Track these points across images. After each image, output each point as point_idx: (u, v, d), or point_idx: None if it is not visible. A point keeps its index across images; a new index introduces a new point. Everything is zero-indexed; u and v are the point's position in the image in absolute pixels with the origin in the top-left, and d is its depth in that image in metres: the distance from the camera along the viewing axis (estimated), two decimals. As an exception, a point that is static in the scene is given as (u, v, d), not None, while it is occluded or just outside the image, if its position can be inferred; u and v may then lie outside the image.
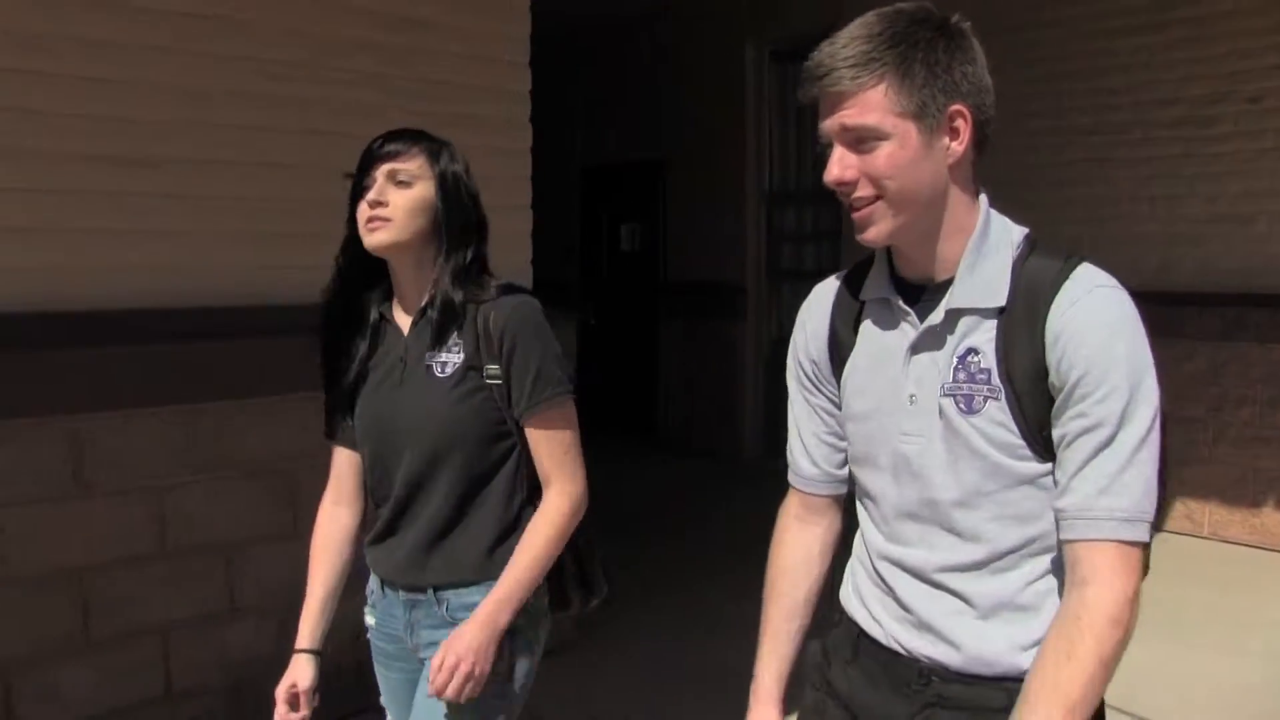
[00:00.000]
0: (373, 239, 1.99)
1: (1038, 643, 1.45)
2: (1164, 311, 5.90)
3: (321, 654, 2.14)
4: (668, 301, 8.86)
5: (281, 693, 2.08)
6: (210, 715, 3.55)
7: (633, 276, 9.25)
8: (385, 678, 2.23)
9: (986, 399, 1.46)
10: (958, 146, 1.45)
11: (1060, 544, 1.43)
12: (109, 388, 3.30)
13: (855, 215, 1.49)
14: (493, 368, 2.01)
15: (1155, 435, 1.39)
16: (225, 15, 3.56)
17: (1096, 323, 1.39)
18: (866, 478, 1.64)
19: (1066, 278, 1.43)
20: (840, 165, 1.46)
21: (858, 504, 1.71)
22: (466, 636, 1.95)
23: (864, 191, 1.47)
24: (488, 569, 2.04)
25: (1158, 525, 4.70)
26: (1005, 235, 1.50)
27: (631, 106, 8.99)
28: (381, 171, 2.00)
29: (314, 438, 2.27)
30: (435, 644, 2.03)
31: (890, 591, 1.62)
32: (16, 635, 3.20)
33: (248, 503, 3.56)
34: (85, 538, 3.31)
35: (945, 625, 1.55)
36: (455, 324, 2.03)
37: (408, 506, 2.08)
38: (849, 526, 1.74)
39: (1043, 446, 1.44)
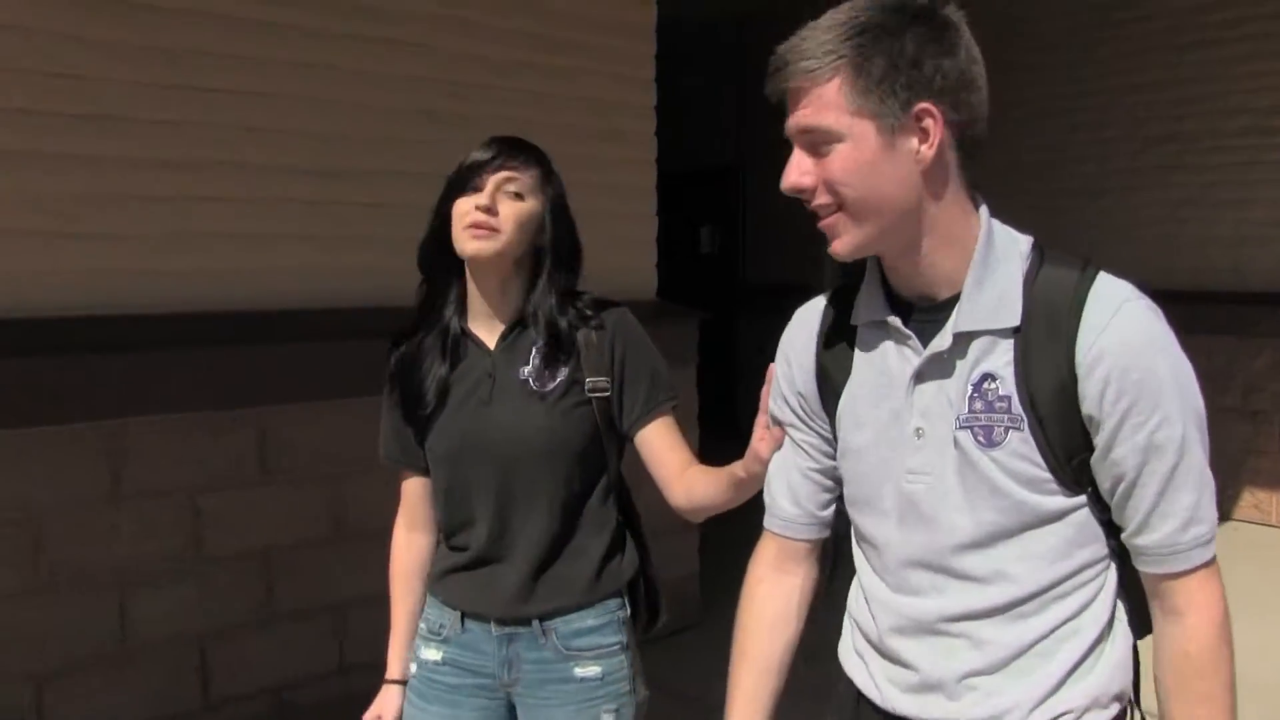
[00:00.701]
0: (477, 246, 1.88)
1: (1048, 695, 1.39)
2: (1237, 310, 6.18)
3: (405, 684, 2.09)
4: (746, 302, 9.10)
5: None
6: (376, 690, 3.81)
7: (711, 278, 9.50)
8: (441, 716, 2.01)
9: (1008, 430, 1.33)
10: (927, 150, 1.30)
11: (1140, 573, 1.38)
12: (293, 382, 3.57)
13: (821, 225, 1.38)
14: (599, 380, 1.96)
15: (1207, 445, 1.33)
16: (416, 42, 3.88)
17: (1136, 344, 1.29)
18: (867, 523, 1.49)
19: (1088, 292, 1.31)
20: (796, 170, 1.35)
21: (855, 551, 1.55)
22: None
23: (823, 199, 1.35)
24: (597, 590, 1.97)
25: (1225, 515, 4.89)
26: (1013, 246, 1.37)
27: (709, 112, 9.19)
28: (493, 180, 1.90)
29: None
30: (544, 682, 1.95)
31: (891, 650, 1.48)
32: (213, 610, 3.46)
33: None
34: (270, 520, 3.57)
35: (952, 686, 1.42)
36: (563, 346, 1.95)
37: (502, 534, 1.96)
38: (846, 575, 1.59)
39: (1072, 479, 1.34)
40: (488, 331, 1.99)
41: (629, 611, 2.03)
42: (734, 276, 9.37)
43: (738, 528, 5.83)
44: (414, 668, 2.05)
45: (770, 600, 1.62)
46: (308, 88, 3.66)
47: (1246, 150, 6.34)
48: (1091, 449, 1.32)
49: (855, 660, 1.54)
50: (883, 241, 1.36)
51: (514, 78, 4.19)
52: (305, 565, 3.65)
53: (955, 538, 1.38)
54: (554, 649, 1.95)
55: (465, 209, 1.89)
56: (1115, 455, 1.31)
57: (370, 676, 3.70)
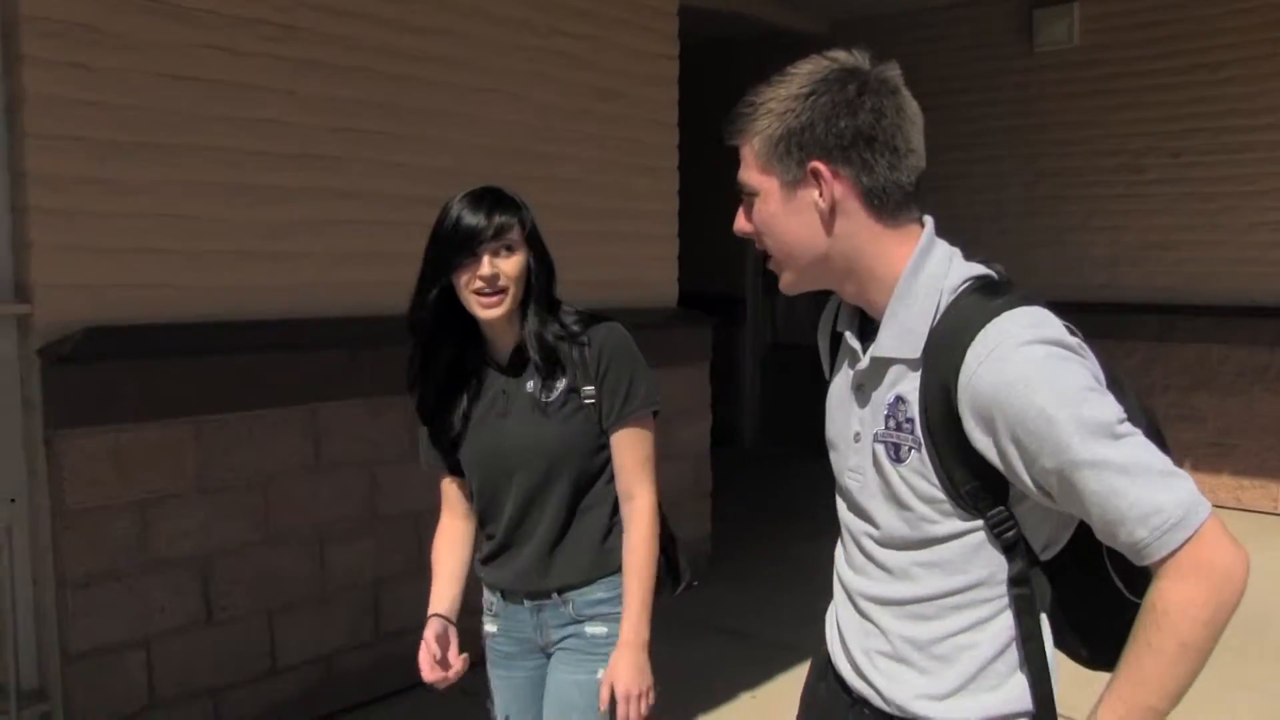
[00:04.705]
0: (491, 312, 2.11)
1: (947, 695, 1.45)
2: (1110, 318, 7.47)
3: (454, 624, 2.27)
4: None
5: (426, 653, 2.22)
6: (407, 660, 4.57)
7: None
8: (506, 680, 2.34)
9: (911, 449, 1.41)
10: (821, 202, 1.42)
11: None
12: (342, 381, 4.07)
13: (769, 266, 1.54)
14: (589, 389, 2.18)
15: (1130, 444, 1.30)
16: (509, 91, 4.70)
17: (1010, 381, 1.31)
18: (838, 501, 1.63)
19: (976, 334, 1.35)
20: (740, 218, 1.52)
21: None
22: (625, 664, 2.11)
23: (760, 244, 1.50)
24: (603, 564, 2.23)
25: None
26: (937, 281, 1.43)
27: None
28: (489, 249, 2.08)
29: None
30: (566, 638, 2.24)
31: (838, 617, 1.62)
32: (283, 585, 3.97)
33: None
34: (321, 503, 4.06)
35: (864, 661, 1.54)
36: (554, 357, 2.17)
37: (521, 523, 2.22)
38: None
39: (967, 503, 1.39)
40: (499, 353, 2.24)
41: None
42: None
43: (750, 498, 6.93)
44: (484, 640, 2.38)
45: None
46: (444, 130, 4.43)
47: (1121, 184, 7.61)
48: (982, 479, 1.38)
49: (828, 625, 1.69)
50: (810, 279, 1.50)
51: (578, 121, 5.05)
52: (349, 543, 4.15)
53: (874, 530, 1.50)
54: (570, 617, 2.24)
55: (468, 279, 2.10)
56: (1025, 485, 1.35)
57: (401, 643, 4.48)
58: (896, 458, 1.43)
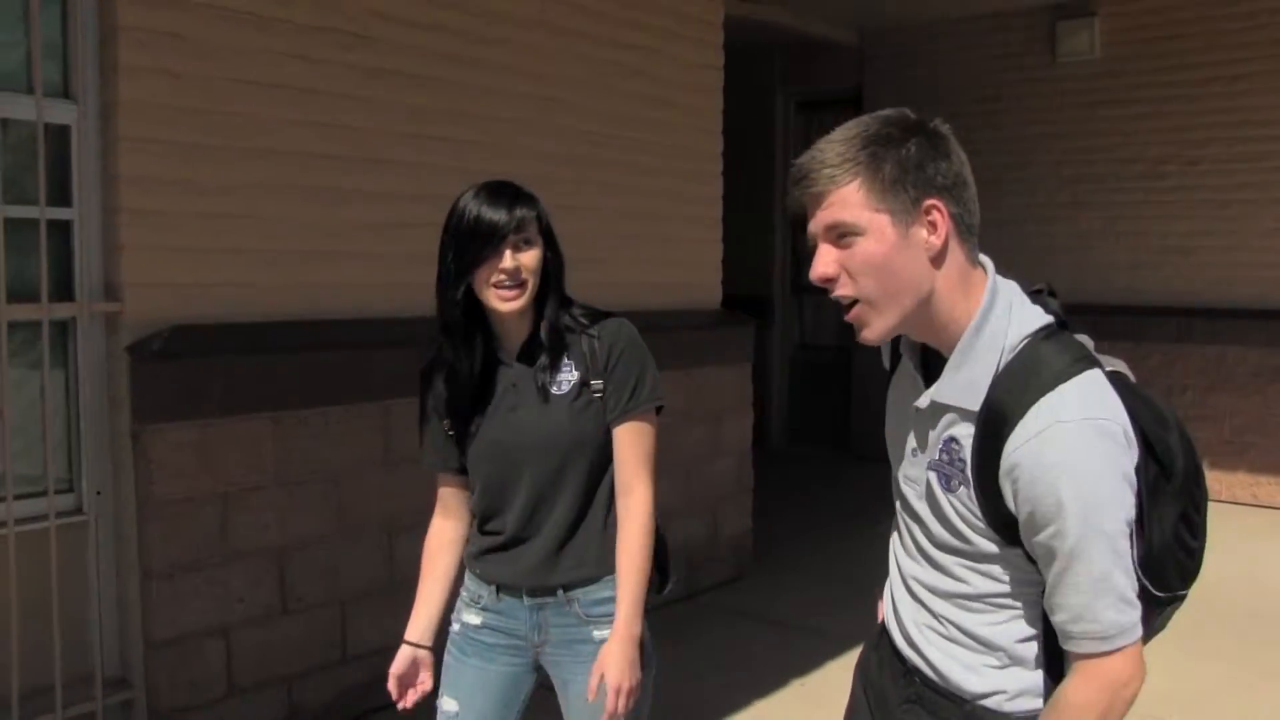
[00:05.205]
0: (514, 305, 2.13)
1: (992, 669, 1.57)
2: (1130, 321, 7.63)
3: (429, 649, 2.31)
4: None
5: (391, 679, 2.28)
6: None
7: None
8: (480, 670, 2.27)
9: (960, 484, 1.51)
10: (935, 240, 1.45)
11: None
12: (414, 379, 4.16)
13: (848, 317, 1.52)
14: (598, 382, 2.19)
15: (1114, 559, 1.40)
16: (567, 99, 4.81)
17: (1046, 464, 1.39)
18: (894, 487, 1.72)
19: (1032, 405, 1.42)
20: (822, 262, 1.49)
21: None
22: (616, 656, 2.09)
23: (845, 290, 1.49)
24: (605, 563, 2.20)
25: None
26: (999, 340, 1.48)
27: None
28: (510, 243, 2.11)
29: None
30: (569, 643, 2.21)
31: (893, 593, 1.73)
32: (354, 576, 4.06)
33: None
34: (390, 497, 4.13)
35: (918, 637, 1.65)
36: (566, 348, 2.20)
37: (530, 518, 2.20)
38: None
39: (1004, 533, 1.49)
40: (509, 346, 2.25)
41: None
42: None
43: (784, 496, 7.07)
44: (457, 626, 2.33)
45: None
46: (507, 136, 4.55)
47: (1141, 191, 7.78)
48: (1016, 523, 1.48)
49: (885, 597, 1.79)
50: (907, 324, 1.52)
51: (631, 128, 5.17)
52: (417, 538, 4.22)
53: (928, 535, 1.61)
54: (576, 615, 2.21)
55: (488, 273, 2.13)
56: (1028, 543, 1.47)
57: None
58: (947, 487, 1.53)
